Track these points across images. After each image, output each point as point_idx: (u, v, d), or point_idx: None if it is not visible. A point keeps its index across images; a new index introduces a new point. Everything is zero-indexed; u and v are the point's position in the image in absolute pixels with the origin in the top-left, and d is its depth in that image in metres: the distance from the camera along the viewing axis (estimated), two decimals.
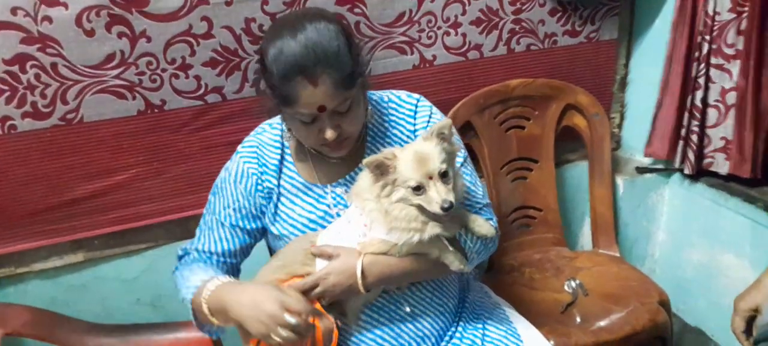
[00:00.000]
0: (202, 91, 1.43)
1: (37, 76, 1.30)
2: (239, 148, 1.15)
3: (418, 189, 0.95)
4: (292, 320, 0.87)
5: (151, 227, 1.55)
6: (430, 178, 0.95)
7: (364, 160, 0.96)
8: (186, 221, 1.56)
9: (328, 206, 1.11)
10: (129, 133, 1.42)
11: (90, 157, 1.42)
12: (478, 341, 1.15)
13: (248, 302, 0.91)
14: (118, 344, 1.35)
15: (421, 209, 0.98)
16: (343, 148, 1.06)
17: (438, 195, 0.94)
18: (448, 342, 1.15)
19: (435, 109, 1.18)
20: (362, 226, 1.03)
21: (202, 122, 1.47)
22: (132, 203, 1.50)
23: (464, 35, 1.60)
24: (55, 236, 1.47)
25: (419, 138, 1.03)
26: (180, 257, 1.17)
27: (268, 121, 1.17)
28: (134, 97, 1.39)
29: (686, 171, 1.71)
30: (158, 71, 1.38)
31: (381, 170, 0.97)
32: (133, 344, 1.35)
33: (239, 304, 0.93)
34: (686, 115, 1.66)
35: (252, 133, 1.17)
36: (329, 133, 0.99)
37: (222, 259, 1.14)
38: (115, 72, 1.34)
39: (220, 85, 1.44)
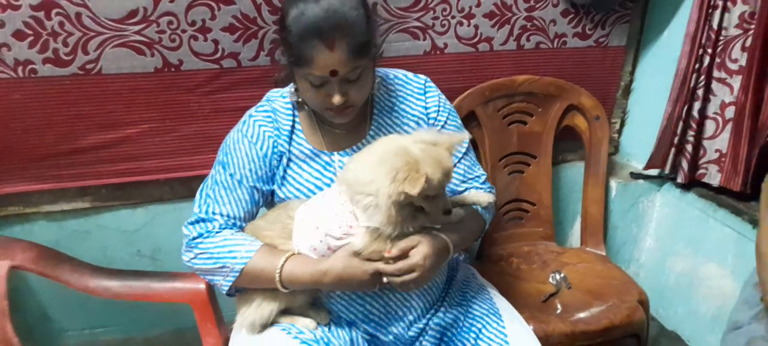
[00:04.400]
0: (218, 55, 1.47)
1: (61, 24, 1.34)
2: (252, 111, 1.18)
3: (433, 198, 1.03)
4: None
5: (156, 183, 1.60)
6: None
7: (415, 190, 0.95)
8: (190, 180, 1.61)
9: (335, 173, 1.16)
10: (144, 89, 1.46)
11: (104, 108, 1.46)
12: (461, 316, 1.21)
13: (344, 275, 1.05)
14: (118, 288, 1.39)
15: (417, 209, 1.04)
16: (346, 115, 1.09)
17: (444, 204, 1.05)
18: (433, 315, 1.21)
19: (439, 91, 1.25)
20: (349, 216, 1.05)
21: (215, 85, 1.51)
22: (140, 157, 1.55)
23: (477, 27, 1.64)
24: (64, 181, 1.52)
25: (445, 152, 1.02)
26: (195, 223, 1.13)
27: (278, 90, 1.21)
28: (153, 55, 1.42)
29: (679, 180, 1.75)
30: (178, 31, 1.41)
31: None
32: (133, 289, 1.39)
33: (329, 275, 1.05)
34: (681, 125, 1.70)
35: (263, 99, 1.21)
36: (337, 99, 1.03)
37: (239, 223, 1.15)
38: (137, 28, 1.38)
39: (236, 50, 1.48)
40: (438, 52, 1.64)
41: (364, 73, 1.05)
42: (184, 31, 1.42)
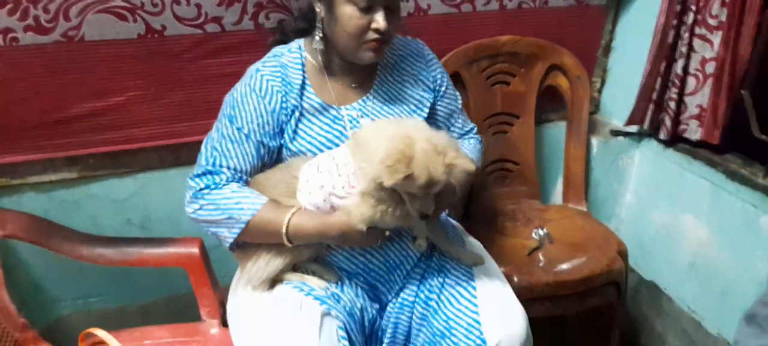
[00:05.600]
0: (201, 19, 1.46)
1: None
2: (258, 66, 1.18)
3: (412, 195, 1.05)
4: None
5: (144, 151, 1.60)
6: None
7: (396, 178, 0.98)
8: (178, 147, 1.62)
9: (344, 126, 1.19)
10: (128, 55, 1.45)
11: (89, 76, 1.45)
12: (436, 261, 1.27)
13: (347, 229, 1.09)
14: (112, 255, 1.41)
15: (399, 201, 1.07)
16: (381, 50, 1.14)
17: (422, 207, 1.05)
18: (420, 262, 1.27)
19: (434, 54, 1.33)
20: (351, 174, 1.08)
21: (200, 51, 1.50)
22: (127, 126, 1.55)
23: None
24: (51, 151, 1.52)
25: (442, 166, 1.02)
26: (201, 175, 1.14)
27: (283, 47, 1.22)
28: (135, 20, 1.42)
29: (662, 136, 1.78)
30: None
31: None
32: (127, 255, 1.41)
33: (334, 228, 1.09)
34: (660, 81, 1.73)
35: (268, 55, 1.21)
36: (382, 23, 1.08)
37: (245, 178, 1.16)
38: None
39: (219, 15, 1.47)
40: (421, 13, 1.65)
41: (399, 7, 1.13)
42: None
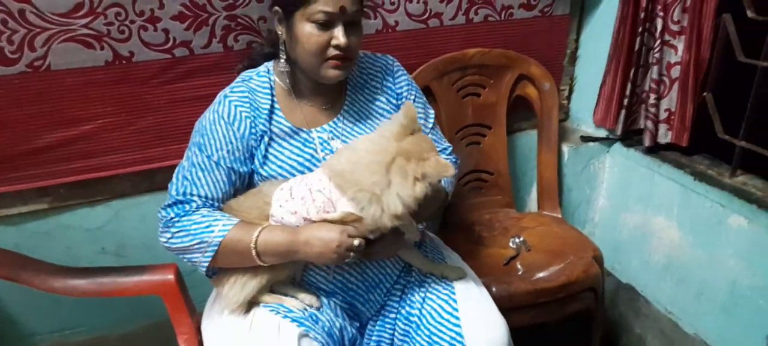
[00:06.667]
0: (170, 44, 1.46)
1: (3, 22, 1.31)
2: (226, 92, 1.17)
3: None
4: (356, 242, 1.07)
5: (117, 178, 1.58)
6: None
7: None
8: (152, 173, 1.60)
9: (315, 150, 1.19)
10: (97, 83, 1.44)
11: (57, 105, 1.44)
12: (416, 276, 1.28)
13: (318, 241, 1.07)
14: (86, 286, 1.38)
15: None
16: (345, 67, 1.13)
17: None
18: (400, 278, 1.28)
19: (404, 69, 1.33)
20: (326, 201, 1.09)
21: (169, 76, 1.50)
22: (98, 153, 1.53)
23: (426, 3, 1.67)
24: (21, 183, 1.49)
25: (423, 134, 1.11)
26: (171, 205, 1.14)
27: (252, 71, 1.23)
28: (102, 48, 1.41)
29: (646, 143, 1.81)
30: (127, 22, 1.40)
31: None
32: (101, 285, 1.38)
33: (308, 244, 1.08)
34: (634, 88, 1.78)
35: (237, 80, 1.21)
36: (343, 39, 1.08)
37: (217, 205, 1.15)
38: (84, 21, 1.37)
39: (188, 39, 1.47)
40: (389, 30, 1.67)
41: (360, 22, 1.13)
42: (132, 22, 1.41)
